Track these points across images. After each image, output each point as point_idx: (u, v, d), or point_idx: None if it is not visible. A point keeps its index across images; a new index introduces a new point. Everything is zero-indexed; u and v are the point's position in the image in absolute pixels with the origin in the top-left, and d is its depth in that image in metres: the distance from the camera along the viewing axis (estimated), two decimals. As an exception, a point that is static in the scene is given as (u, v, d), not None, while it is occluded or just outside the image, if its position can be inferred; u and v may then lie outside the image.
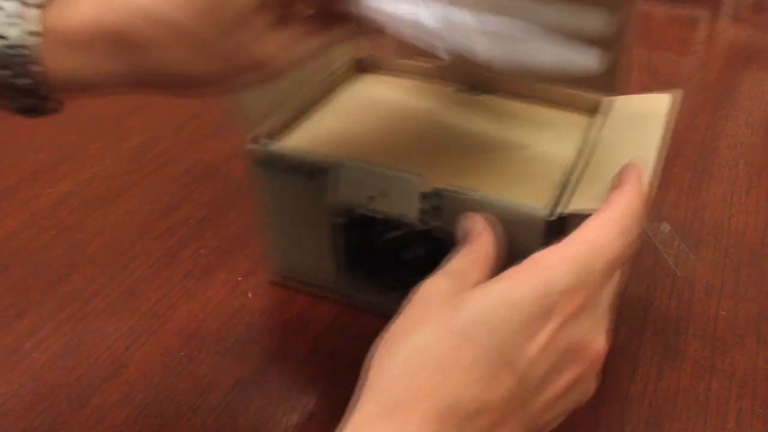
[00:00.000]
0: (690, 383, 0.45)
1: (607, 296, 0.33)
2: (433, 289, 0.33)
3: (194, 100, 0.76)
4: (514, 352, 0.30)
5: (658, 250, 0.56)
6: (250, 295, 0.51)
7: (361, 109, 0.53)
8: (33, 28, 0.29)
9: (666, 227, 0.59)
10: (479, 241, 0.37)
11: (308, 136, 0.49)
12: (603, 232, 0.32)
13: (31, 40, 0.29)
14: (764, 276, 0.54)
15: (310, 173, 0.45)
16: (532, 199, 0.42)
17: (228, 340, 0.48)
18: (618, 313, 0.50)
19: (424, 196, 0.42)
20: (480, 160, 0.47)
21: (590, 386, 0.34)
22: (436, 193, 0.43)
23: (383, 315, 0.50)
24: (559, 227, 0.42)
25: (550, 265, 0.31)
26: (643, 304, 0.51)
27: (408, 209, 0.42)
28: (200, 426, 0.42)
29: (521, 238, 0.42)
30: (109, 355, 0.46)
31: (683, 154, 0.68)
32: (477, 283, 0.33)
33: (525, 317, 0.30)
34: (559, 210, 0.40)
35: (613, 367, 0.46)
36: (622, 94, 0.50)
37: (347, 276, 0.50)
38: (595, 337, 0.32)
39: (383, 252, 0.47)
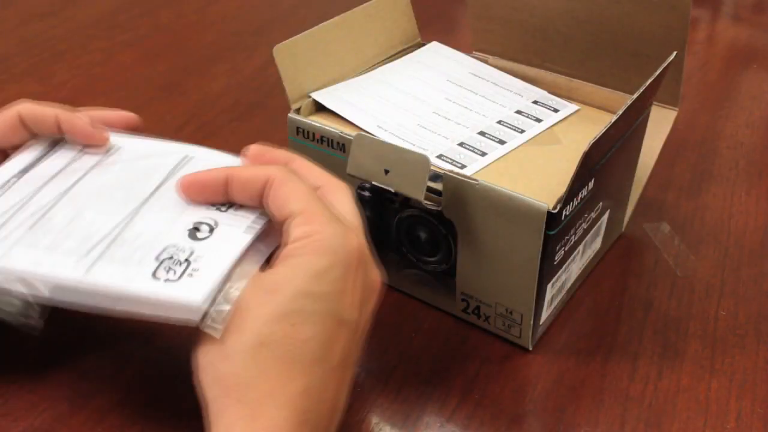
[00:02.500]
0: (690, 383, 0.45)
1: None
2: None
3: (194, 100, 0.76)
4: (337, 309, 0.34)
5: (658, 250, 0.56)
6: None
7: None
8: None
9: (666, 227, 0.59)
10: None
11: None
12: (296, 189, 0.36)
13: None
14: (764, 276, 0.54)
15: (340, 145, 0.47)
16: (548, 193, 0.42)
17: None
18: (618, 313, 0.50)
19: (431, 177, 0.43)
20: (515, 151, 0.49)
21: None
22: (437, 175, 0.44)
23: (400, 291, 0.51)
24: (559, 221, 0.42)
25: (320, 230, 0.35)
26: (643, 304, 0.51)
27: (416, 187, 0.42)
28: (201, 426, 0.42)
29: (523, 230, 0.42)
30: (109, 355, 0.46)
31: (683, 154, 0.68)
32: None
33: (335, 275, 0.34)
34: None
35: (613, 367, 0.46)
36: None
37: None
38: (366, 247, 0.37)
39: (398, 229, 0.47)
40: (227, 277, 0.34)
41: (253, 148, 0.39)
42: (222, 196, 0.37)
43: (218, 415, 0.32)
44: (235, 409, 0.32)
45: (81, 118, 0.42)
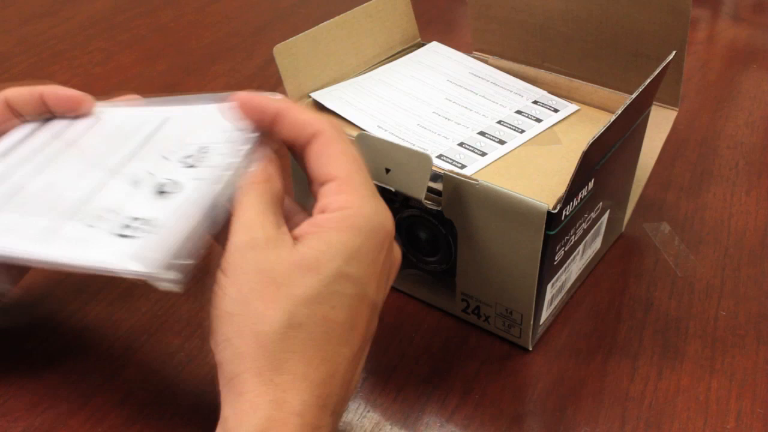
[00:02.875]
0: (690, 383, 0.45)
1: None
2: (262, 256, 0.32)
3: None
4: (368, 291, 0.33)
5: (658, 250, 0.56)
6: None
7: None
8: None
9: (666, 227, 0.59)
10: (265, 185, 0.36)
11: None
12: (344, 152, 0.35)
13: None
14: (764, 276, 0.54)
15: None
16: (548, 193, 0.42)
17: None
18: (618, 313, 0.50)
19: (431, 177, 0.43)
20: (515, 151, 0.48)
21: None
22: (437, 175, 0.44)
23: (400, 291, 0.51)
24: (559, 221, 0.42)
25: (362, 205, 0.34)
26: (643, 304, 0.51)
27: (418, 187, 0.42)
28: (201, 426, 0.42)
29: (523, 230, 0.42)
30: (109, 355, 0.46)
31: (683, 154, 0.68)
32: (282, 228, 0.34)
33: (373, 256, 0.33)
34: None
35: (613, 367, 0.46)
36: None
37: None
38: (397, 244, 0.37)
39: (398, 229, 0.47)
40: (192, 234, 0.33)
41: (242, 95, 0.37)
42: (266, 125, 0.36)
43: (239, 395, 0.30)
44: (262, 390, 0.30)
45: (63, 88, 0.42)
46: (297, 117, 0.36)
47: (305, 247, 0.32)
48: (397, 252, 0.36)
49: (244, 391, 0.30)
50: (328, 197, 0.34)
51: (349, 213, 0.33)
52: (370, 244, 0.33)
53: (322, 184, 0.34)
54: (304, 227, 0.33)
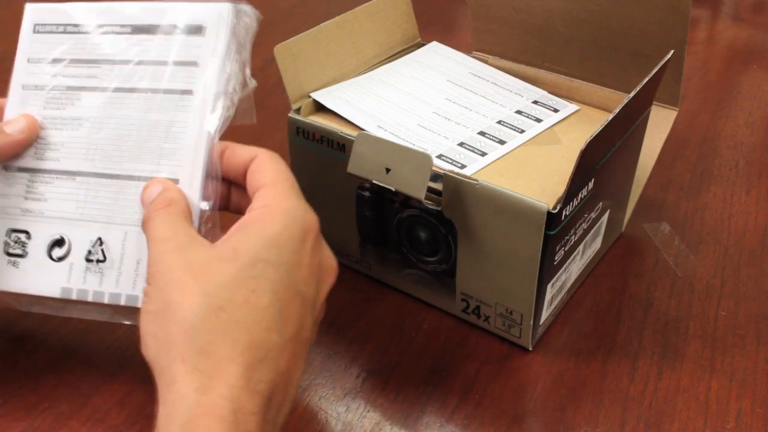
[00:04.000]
0: (690, 383, 0.45)
1: None
2: (179, 251, 0.34)
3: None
4: (294, 280, 0.33)
5: (658, 250, 0.56)
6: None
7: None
8: None
9: (666, 227, 0.59)
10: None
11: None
12: (278, 163, 0.38)
13: None
14: (764, 276, 0.54)
15: (340, 145, 0.47)
16: (548, 193, 0.42)
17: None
18: (618, 313, 0.50)
19: (431, 177, 0.43)
20: (515, 151, 0.49)
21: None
22: (437, 175, 0.44)
23: (400, 291, 0.51)
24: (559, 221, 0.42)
25: (283, 201, 0.35)
26: (643, 304, 0.51)
27: (418, 186, 0.42)
28: (200, 426, 0.42)
29: (523, 230, 0.42)
30: (109, 355, 0.46)
31: (683, 154, 0.68)
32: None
33: (293, 245, 0.33)
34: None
35: (613, 367, 0.46)
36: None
37: (368, 249, 0.51)
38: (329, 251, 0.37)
39: (398, 229, 0.47)
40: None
41: None
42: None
43: (168, 387, 0.30)
44: (188, 378, 0.30)
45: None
46: (236, 149, 0.39)
47: (224, 242, 0.34)
48: (330, 257, 0.37)
49: (172, 382, 0.30)
50: (255, 202, 0.36)
51: (269, 207, 0.34)
52: (289, 233, 0.34)
53: (253, 194, 0.36)
54: (230, 230, 0.35)
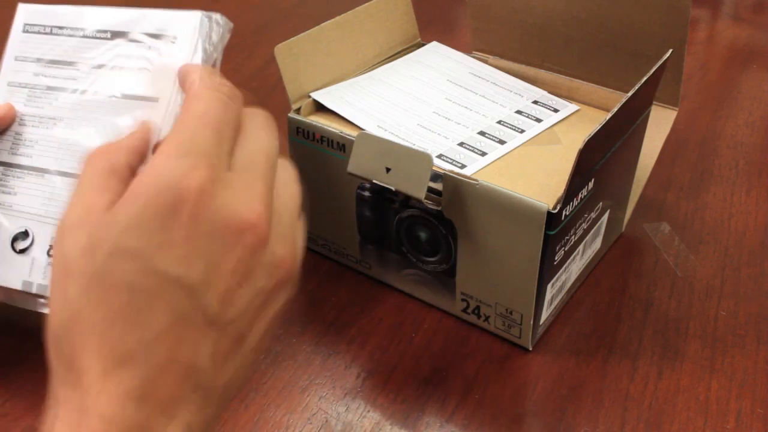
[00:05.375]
0: (690, 383, 0.45)
1: (251, 157, 0.30)
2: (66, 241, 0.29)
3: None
4: (159, 264, 0.27)
5: (658, 250, 0.56)
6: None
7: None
8: None
9: (666, 227, 0.59)
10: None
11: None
12: (190, 110, 0.30)
13: None
14: (764, 276, 0.54)
15: (340, 145, 0.47)
16: (548, 193, 0.42)
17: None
18: (618, 313, 0.50)
19: (431, 177, 0.43)
20: (515, 151, 0.49)
21: (272, 262, 0.30)
22: (437, 175, 0.44)
23: (400, 291, 0.51)
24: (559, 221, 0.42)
25: (155, 165, 0.28)
26: (643, 304, 0.51)
27: (418, 186, 0.42)
28: (200, 426, 0.42)
29: (523, 230, 0.42)
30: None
31: (683, 154, 0.68)
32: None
33: (158, 222, 0.27)
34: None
35: (613, 367, 0.46)
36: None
37: (368, 249, 0.51)
38: (249, 204, 0.29)
39: (398, 229, 0.48)
40: None
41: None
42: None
43: (53, 400, 0.28)
44: (57, 393, 0.27)
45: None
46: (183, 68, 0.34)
47: (93, 225, 0.29)
48: (281, 249, 0.30)
49: (49, 400, 0.28)
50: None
51: (138, 180, 0.28)
52: (153, 208, 0.27)
53: None
54: None
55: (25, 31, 0.44)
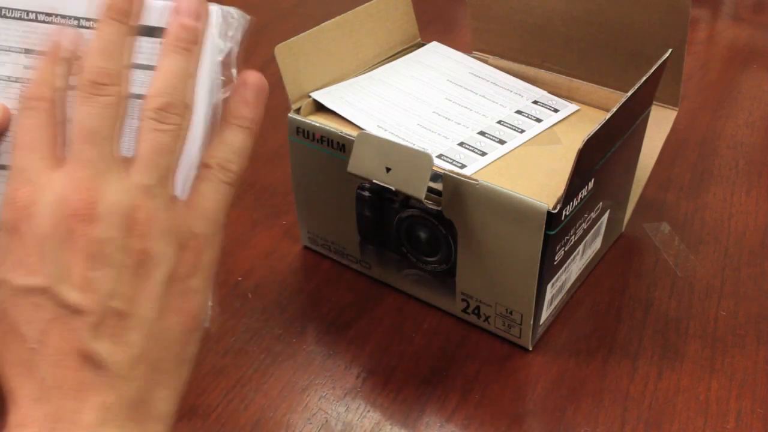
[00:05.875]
0: (690, 383, 0.45)
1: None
2: None
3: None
4: (12, 283, 0.30)
5: (658, 250, 0.56)
6: (249, 295, 0.51)
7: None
8: None
9: (666, 227, 0.59)
10: None
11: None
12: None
13: None
14: (764, 276, 0.54)
15: (340, 145, 0.47)
16: (548, 193, 0.42)
17: (228, 340, 0.48)
18: (618, 313, 0.50)
19: (431, 177, 0.43)
20: (515, 151, 0.49)
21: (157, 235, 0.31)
22: (437, 175, 0.44)
23: (400, 291, 0.51)
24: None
25: None
26: (643, 304, 0.51)
27: (418, 186, 0.42)
28: (200, 426, 0.42)
29: (523, 230, 0.42)
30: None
31: (683, 154, 0.68)
32: None
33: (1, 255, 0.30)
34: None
35: (613, 367, 0.46)
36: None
37: (368, 249, 0.51)
38: (70, 196, 0.30)
39: (398, 229, 0.48)
40: None
41: None
42: None
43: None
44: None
45: None
46: None
47: None
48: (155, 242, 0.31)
49: None
50: None
51: None
52: None
53: None
54: None
55: (3, 16, 0.39)
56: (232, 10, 0.40)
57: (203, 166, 0.33)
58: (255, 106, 0.35)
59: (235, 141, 0.34)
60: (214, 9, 0.40)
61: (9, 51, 0.40)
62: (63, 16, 0.39)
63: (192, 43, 0.33)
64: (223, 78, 0.39)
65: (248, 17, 0.40)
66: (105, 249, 0.30)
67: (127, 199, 0.30)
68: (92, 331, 0.30)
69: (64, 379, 0.30)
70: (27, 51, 0.39)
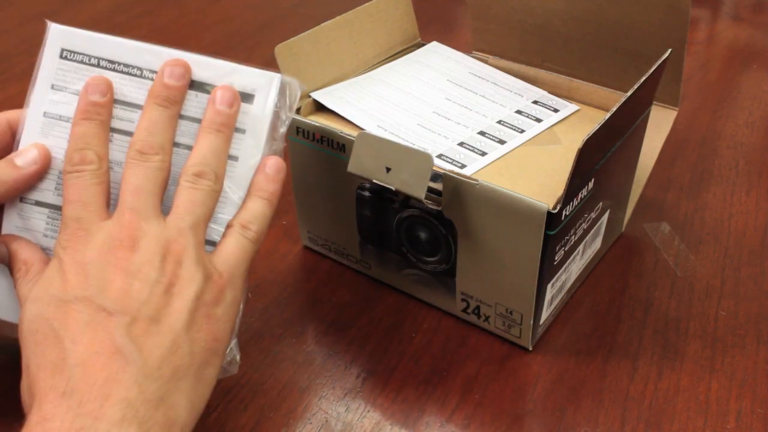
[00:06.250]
0: (690, 383, 0.45)
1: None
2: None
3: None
4: (61, 297, 0.35)
5: (658, 250, 0.56)
6: (249, 295, 0.51)
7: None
8: None
9: (666, 227, 0.59)
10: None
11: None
12: None
13: None
14: (764, 276, 0.54)
15: (340, 145, 0.47)
16: (548, 193, 0.42)
17: (228, 340, 0.48)
18: (618, 313, 0.50)
19: (431, 177, 0.43)
20: (515, 151, 0.49)
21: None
22: (437, 175, 0.44)
23: (400, 291, 0.51)
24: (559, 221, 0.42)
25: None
26: (643, 304, 0.51)
27: (418, 185, 0.42)
28: (200, 426, 0.42)
29: (523, 230, 0.42)
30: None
31: (683, 154, 0.68)
32: None
33: (53, 282, 0.36)
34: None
35: (613, 367, 0.46)
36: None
37: (368, 249, 0.51)
38: (113, 233, 0.36)
39: (398, 229, 0.48)
40: None
41: None
42: None
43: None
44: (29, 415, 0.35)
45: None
46: None
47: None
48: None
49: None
50: None
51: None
52: (47, 276, 0.37)
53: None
54: None
55: (63, 58, 0.40)
56: (292, 80, 0.41)
57: (228, 226, 0.39)
58: (275, 181, 0.40)
59: (257, 208, 0.39)
60: (276, 78, 0.41)
61: (64, 91, 0.40)
62: (126, 65, 0.40)
63: (224, 126, 0.39)
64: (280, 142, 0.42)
65: (305, 87, 0.43)
66: (143, 269, 0.35)
67: (165, 235, 0.36)
68: (124, 329, 0.34)
69: (91, 375, 0.33)
70: None
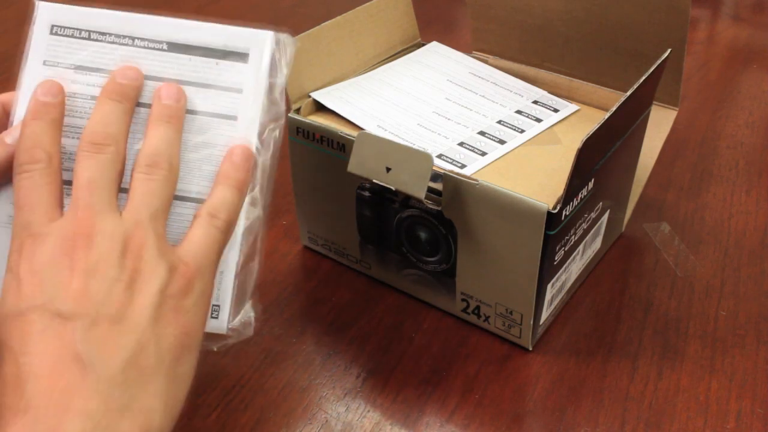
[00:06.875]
0: (690, 383, 0.45)
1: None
2: None
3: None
4: (18, 307, 0.32)
5: (658, 250, 0.56)
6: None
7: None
8: None
9: (666, 227, 0.59)
10: None
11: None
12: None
13: None
14: (764, 276, 0.54)
15: (340, 145, 0.47)
16: (548, 193, 0.42)
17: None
18: (618, 313, 0.50)
19: (431, 177, 0.43)
20: (515, 151, 0.49)
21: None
22: (437, 175, 0.44)
23: (400, 291, 0.51)
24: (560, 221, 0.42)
25: None
26: (643, 304, 0.51)
27: (418, 185, 0.42)
28: (200, 426, 0.42)
29: (523, 230, 0.42)
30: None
31: (683, 154, 0.68)
32: None
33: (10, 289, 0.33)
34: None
35: (613, 367, 0.46)
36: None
37: (368, 249, 0.51)
38: (66, 227, 0.34)
39: (398, 229, 0.48)
40: None
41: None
42: None
43: None
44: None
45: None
46: None
47: None
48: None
49: None
50: None
51: None
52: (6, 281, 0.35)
53: None
54: None
55: (54, 33, 0.40)
56: (285, 36, 0.41)
57: (194, 216, 0.37)
58: (243, 169, 0.38)
59: (224, 196, 0.37)
60: (269, 35, 0.40)
61: (57, 66, 0.40)
62: (117, 35, 0.40)
63: (174, 117, 0.38)
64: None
65: (297, 43, 0.41)
66: (100, 267, 0.33)
67: (122, 230, 0.34)
68: (83, 333, 0.32)
69: (47, 387, 0.31)
70: (76, 67, 0.40)
